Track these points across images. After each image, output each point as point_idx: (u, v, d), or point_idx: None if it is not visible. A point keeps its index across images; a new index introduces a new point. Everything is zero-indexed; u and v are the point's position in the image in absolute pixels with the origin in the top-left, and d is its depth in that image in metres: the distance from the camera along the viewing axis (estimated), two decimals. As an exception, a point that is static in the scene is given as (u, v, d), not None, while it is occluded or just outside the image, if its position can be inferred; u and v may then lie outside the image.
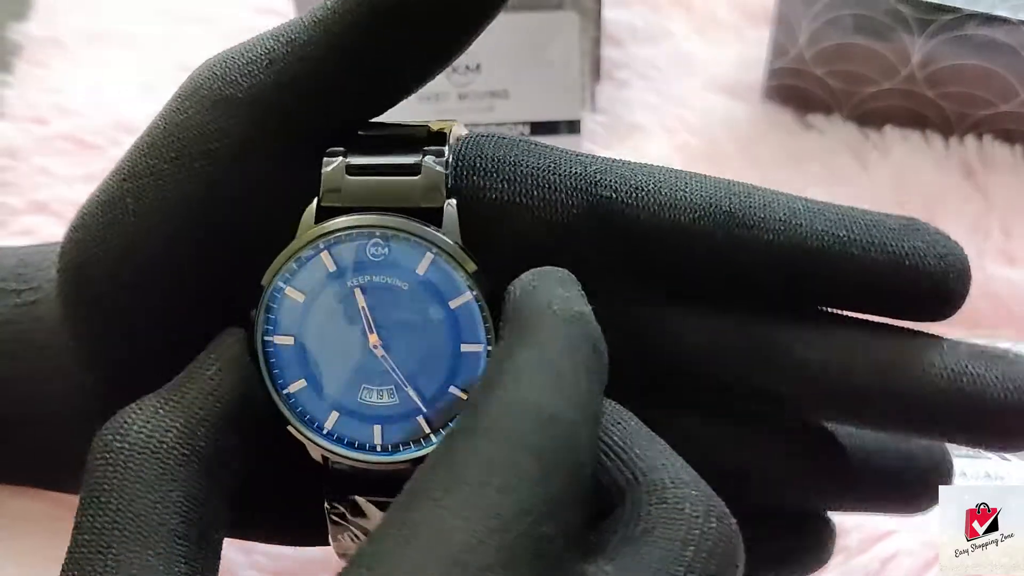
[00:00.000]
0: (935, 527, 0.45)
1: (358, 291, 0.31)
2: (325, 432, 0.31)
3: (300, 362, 0.31)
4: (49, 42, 0.67)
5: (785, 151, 0.60)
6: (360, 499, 0.32)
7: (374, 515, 0.32)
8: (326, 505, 0.32)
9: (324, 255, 0.31)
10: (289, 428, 0.32)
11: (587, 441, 0.26)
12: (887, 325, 0.32)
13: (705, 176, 0.32)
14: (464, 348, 0.31)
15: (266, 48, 0.31)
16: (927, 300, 0.31)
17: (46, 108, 0.63)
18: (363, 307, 0.31)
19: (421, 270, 0.30)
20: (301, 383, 0.31)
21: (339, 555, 0.34)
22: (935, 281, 0.31)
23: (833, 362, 0.31)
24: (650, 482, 0.27)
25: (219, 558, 0.29)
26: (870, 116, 0.61)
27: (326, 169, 0.31)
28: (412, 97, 0.61)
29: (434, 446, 0.30)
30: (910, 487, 0.35)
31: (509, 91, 0.60)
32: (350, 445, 0.31)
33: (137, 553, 0.27)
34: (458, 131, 0.32)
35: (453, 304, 0.30)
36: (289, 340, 0.31)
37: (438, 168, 0.31)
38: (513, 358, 0.27)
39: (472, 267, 0.30)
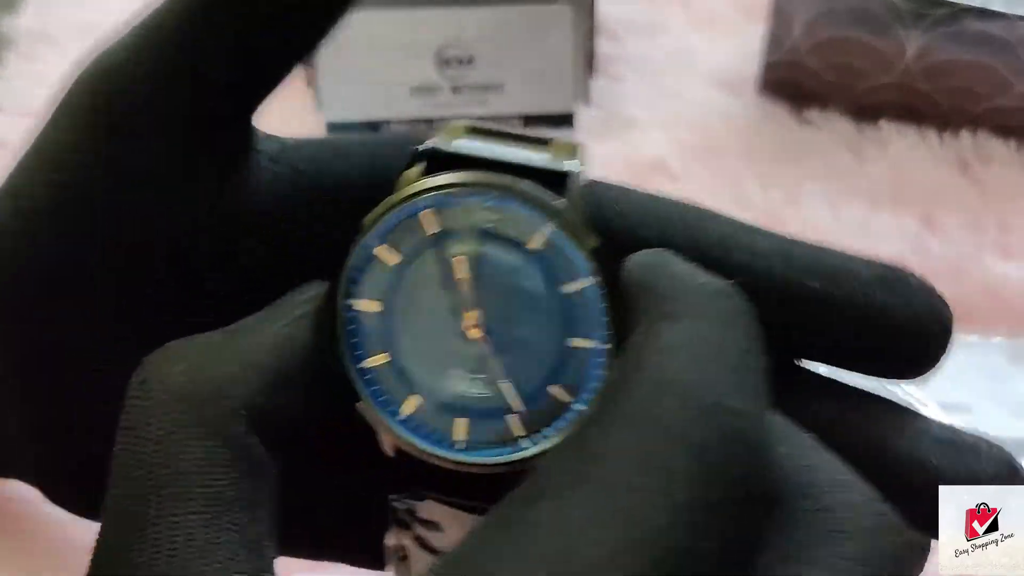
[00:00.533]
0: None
1: (460, 260, 0.26)
2: (401, 418, 0.27)
3: (384, 333, 0.27)
4: (40, 36, 0.67)
5: (781, 146, 0.60)
6: (434, 500, 0.28)
7: (447, 519, 0.28)
8: (392, 500, 0.29)
9: (426, 214, 0.26)
10: (359, 407, 0.27)
11: (757, 436, 0.21)
12: (854, 394, 0.29)
13: (660, 199, 0.30)
14: (573, 343, 0.26)
15: (127, 45, 0.30)
16: (897, 362, 0.28)
17: (37, 102, 0.63)
18: (463, 279, 0.26)
19: (535, 244, 0.26)
20: (382, 357, 0.27)
21: (393, 560, 0.30)
22: (907, 343, 0.28)
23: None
24: (804, 485, 0.22)
25: (275, 530, 0.26)
26: (866, 110, 0.61)
27: (444, 126, 0.28)
28: (405, 91, 0.61)
29: (522, 453, 0.27)
30: None
31: (503, 84, 0.60)
32: (426, 437, 0.27)
33: (179, 517, 0.23)
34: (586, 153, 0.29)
35: (567, 289, 0.26)
36: (375, 307, 0.27)
37: (571, 143, 0.28)
38: (660, 335, 0.22)
39: (593, 243, 0.26)
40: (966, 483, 0.28)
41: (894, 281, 0.28)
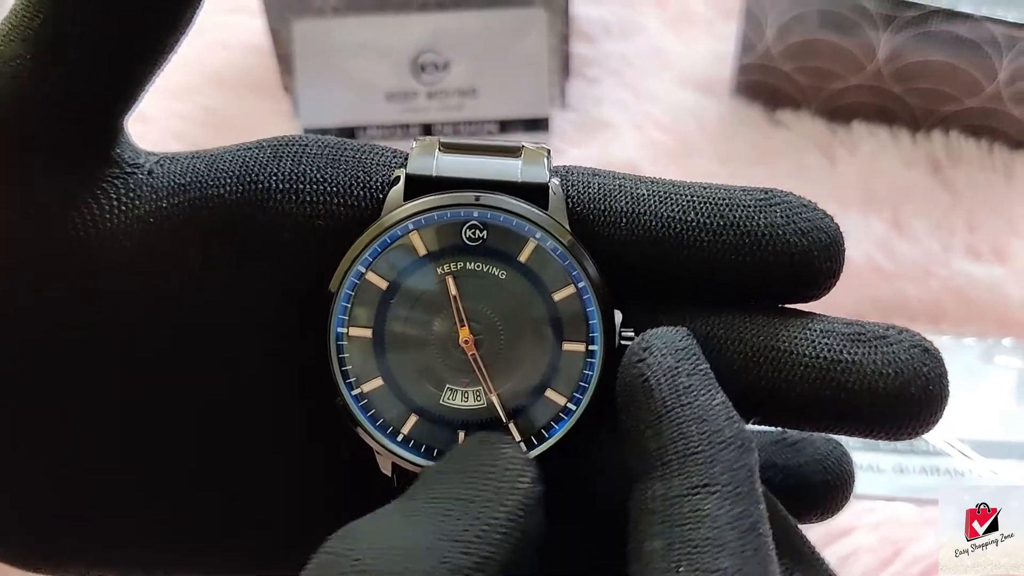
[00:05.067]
0: (894, 526, 0.46)
1: (449, 279, 0.27)
2: (400, 438, 0.28)
3: (377, 358, 0.28)
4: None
5: (754, 147, 0.61)
6: None
7: None
8: None
9: (413, 236, 0.27)
10: (359, 431, 0.28)
11: None
12: (756, 309, 0.29)
13: (617, 179, 0.30)
14: (566, 347, 0.27)
15: None
16: (792, 281, 0.28)
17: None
18: (454, 297, 0.27)
19: (523, 257, 0.27)
20: (377, 382, 0.28)
21: None
22: (797, 260, 0.28)
23: None
24: None
25: None
26: (838, 112, 0.61)
27: (416, 144, 0.28)
28: (381, 97, 0.61)
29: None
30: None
31: (478, 89, 0.60)
32: (427, 453, 0.28)
33: None
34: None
35: (557, 297, 0.27)
36: (366, 332, 0.28)
37: (539, 147, 0.28)
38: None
39: (582, 256, 0.27)
40: (883, 372, 0.27)
41: (775, 203, 0.28)
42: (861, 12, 0.56)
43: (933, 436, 0.49)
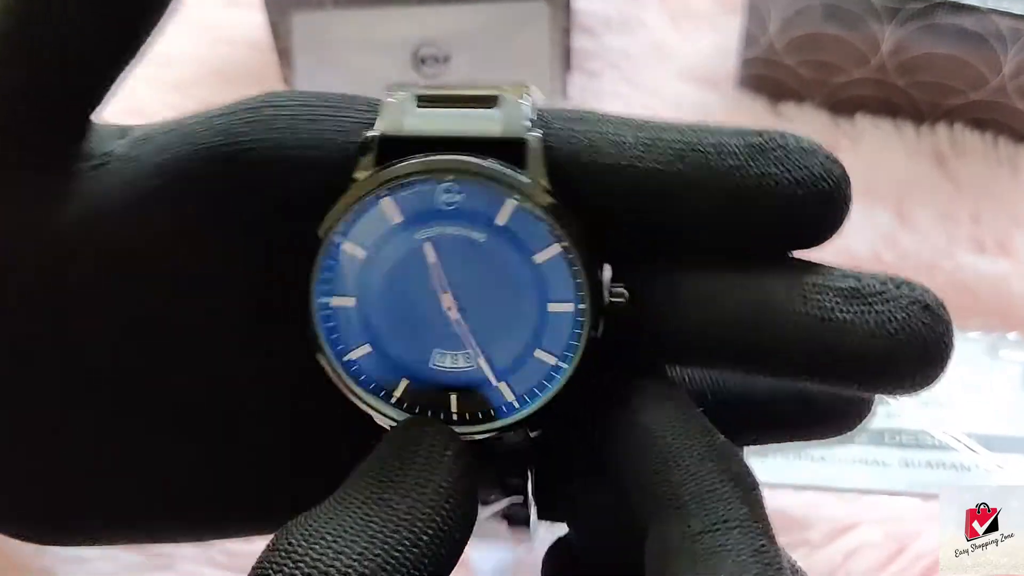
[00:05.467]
0: (899, 521, 0.45)
1: (428, 245, 0.27)
2: (394, 400, 0.28)
3: (363, 325, 0.28)
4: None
5: (757, 141, 0.60)
6: None
7: None
8: None
9: (387, 203, 0.27)
10: (352, 398, 0.28)
11: None
12: (750, 262, 0.27)
13: (601, 121, 0.28)
14: (552, 308, 0.27)
15: None
16: (788, 231, 0.26)
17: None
18: (434, 263, 0.27)
19: (501, 219, 0.26)
20: (365, 348, 0.28)
21: None
22: (794, 211, 0.26)
23: (687, 315, 0.27)
24: None
25: None
26: (842, 105, 0.61)
27: (389, 99, 0.27)
28: (381, 89, 0.61)
29: (514, 417, 0.28)
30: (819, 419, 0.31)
31: (478, 83, 0.60)
32: (422, 415, 0.28)
33: None
34: (536, 93, 0.28)
35: (539, 258, 0.27)
36: (350, 301, 0.27)
37: (520, 99, 0.27)
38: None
39: (549, 201, 0.26)
40: (876, 333, 0.25)
41: (769, 148, 0.27)
42: (865, 5, 0.56)
43: (938, 431, 0.49)
